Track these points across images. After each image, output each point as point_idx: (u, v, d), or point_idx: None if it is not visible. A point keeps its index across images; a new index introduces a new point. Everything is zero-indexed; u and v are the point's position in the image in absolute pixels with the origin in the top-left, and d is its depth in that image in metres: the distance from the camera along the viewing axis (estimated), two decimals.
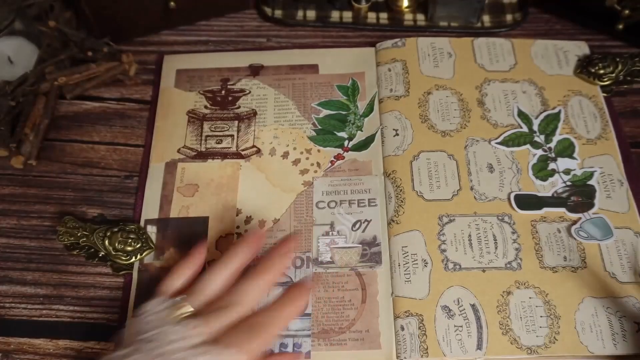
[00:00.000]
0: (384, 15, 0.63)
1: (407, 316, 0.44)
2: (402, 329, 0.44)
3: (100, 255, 0.47)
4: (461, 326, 0.44)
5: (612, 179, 0.50)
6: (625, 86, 0.56)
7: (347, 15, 0.63)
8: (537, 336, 0.43)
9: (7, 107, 0.53)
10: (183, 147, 0.53)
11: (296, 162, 0.52)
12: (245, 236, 0.45)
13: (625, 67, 0.56)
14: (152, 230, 0.49)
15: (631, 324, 0.43)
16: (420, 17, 0.62)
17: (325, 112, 0.55)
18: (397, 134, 0.53)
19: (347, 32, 0.62)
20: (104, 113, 0.56)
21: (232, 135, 0.54)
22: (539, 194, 0.49)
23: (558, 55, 0.57)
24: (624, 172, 0.51)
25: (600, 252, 0.47)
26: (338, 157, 0.52)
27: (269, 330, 0.38)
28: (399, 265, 0.46)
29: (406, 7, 0.62)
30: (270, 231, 0.49)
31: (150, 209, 0.50)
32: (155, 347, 0.35)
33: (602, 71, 0.55)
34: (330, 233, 0.48)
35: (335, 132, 0.54)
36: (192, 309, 0.38)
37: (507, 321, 0.44)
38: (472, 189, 0.50)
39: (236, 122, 0.55)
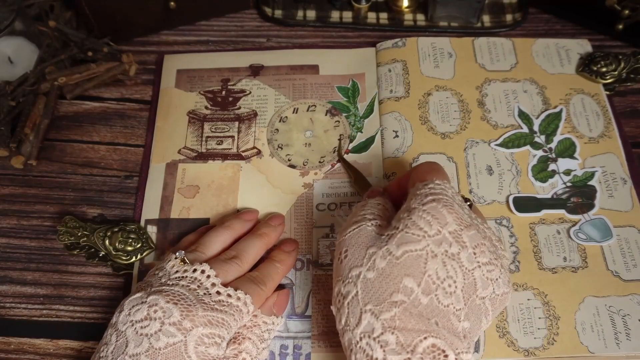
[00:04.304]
0: (384, 15, 0.63)
1: None
2: None
3: (101, 255, 0.47)
4: None
5: (614, 178, 0.50)
6: (628, 84, 0.55)
7: (347, 15, 0.62)
8: (535, 338, 0.43)
9: (7, 107, 0.53)
10: (184, 148, 0.53)
11: None
12: (244, 211, 0.49)
13: (628, 64, 0.55)
14: (152, 230, 0.49)
15: (636, 323, 0.43)
16: (420, 17, 0.62)
17: None
18: (397, 136, 0.52)
19: (347, 32, 0.62)
20: (104, 113, 0.56)
21: (232, 136, 0.54)
22: (538, 196, 0.49)
23: (560, 54, 0.57)
24: (628, 169, 0.50)
25: (602, 252, 0.46)
26: None
27: (266, 283, 0.42)
28: None
29: (406, 7, 0.62)
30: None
31: (150, 209, 0.50)
32: (162, 275, 0.39)
33: (604, 69, 0.55)
34: (331, 235, 0.48)
35: None
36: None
37: (504, 324, 0.43)
38: (470, 192, 0.49)
39: (237, 122, 0.54)
